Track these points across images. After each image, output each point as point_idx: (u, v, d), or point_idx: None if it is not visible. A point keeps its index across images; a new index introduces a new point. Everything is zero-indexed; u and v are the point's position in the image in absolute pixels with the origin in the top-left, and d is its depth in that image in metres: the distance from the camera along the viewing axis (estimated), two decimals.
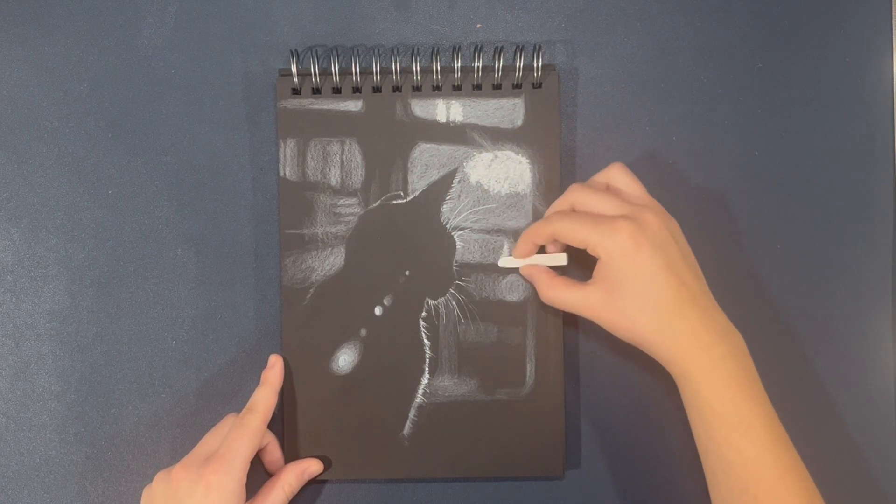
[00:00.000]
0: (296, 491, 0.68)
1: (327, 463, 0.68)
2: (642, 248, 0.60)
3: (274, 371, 0.68)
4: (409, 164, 0.69)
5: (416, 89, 0.69)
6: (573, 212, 0.64)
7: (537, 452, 0.68)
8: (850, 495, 0.70)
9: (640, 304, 0.60)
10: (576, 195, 0.64)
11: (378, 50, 0.69)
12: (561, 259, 0.67)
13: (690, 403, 0.61)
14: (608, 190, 0.64)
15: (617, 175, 0.64)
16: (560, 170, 0.69)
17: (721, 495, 0.61)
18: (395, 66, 0.68)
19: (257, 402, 0.66)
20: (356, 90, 0.69)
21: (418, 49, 0.68)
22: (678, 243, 0.62)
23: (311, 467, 0.68)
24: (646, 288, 0.60)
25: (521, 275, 0.68)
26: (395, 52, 0.68)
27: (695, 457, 0.69)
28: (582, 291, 0.63)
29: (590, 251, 0.62)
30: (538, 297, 0.68)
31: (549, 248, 0.67)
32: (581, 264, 0.67)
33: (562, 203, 0.65)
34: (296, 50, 0.69)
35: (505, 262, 0.68)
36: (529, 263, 0.67)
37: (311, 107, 0.69)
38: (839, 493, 0.70)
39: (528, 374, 0.68)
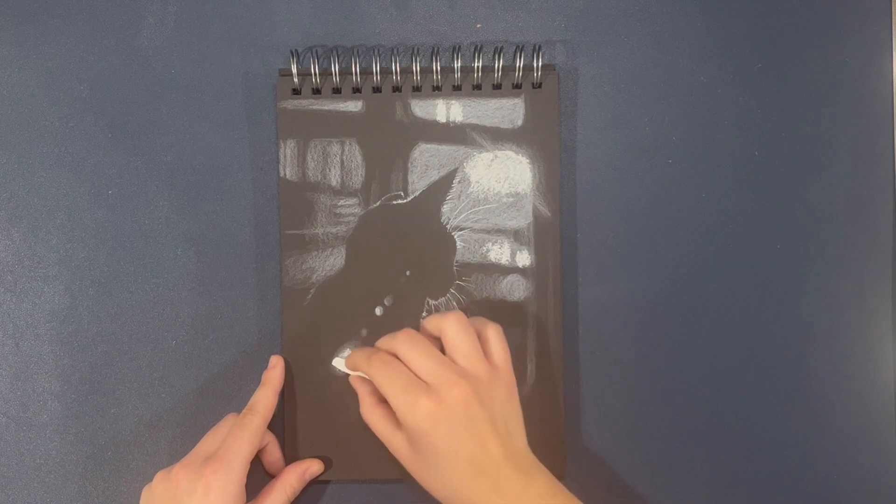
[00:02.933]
0: (297, 492, 0.68)
1: (328, 463, 0.68)
2: (439, 428, 0.59)
3: (275, 372, 0.68)
4: (409, 165, 0.69)
5: (416, 89, 0.69)
6: (393, 360, 0.62)
7: (538, 452, 0.68)
8: (850, 495, 0.70)
9: (435, 474, 0.61)
10: (399, 345, 0.62)
11: (378, 50, 0.69)
12: None
13: None
14: (437, 339, 0.63)
15: (449, 327, 0.62)
16: (560, 170, 0.69)
17: None
18: (395, 67, 0.68)
19: (257, 403, 0.66)
20: (356, 90, 0.69)
21: (418, 49, 0.68)
22: (492, 411, 0.61)
23: (313, 468, 0.68)
24: (441, 464, 0.60)
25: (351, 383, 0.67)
26: (395, 52, 0.68)
27: (695, 455, 0.69)
28: (392, 432, 0.63)
29: (392, 409, 0.62)
30: (539, 298, 0.68)
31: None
32: None
33: (387, 343, 0.64)
34: (296, 50, 0.69)
35: (337, 363, 0.68)
36: (359, 377, 0.66)
37: (311, 107, 0.69)
38: (839, 494, 0.70)
39: (528, 373, 0.68)
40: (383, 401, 0.65)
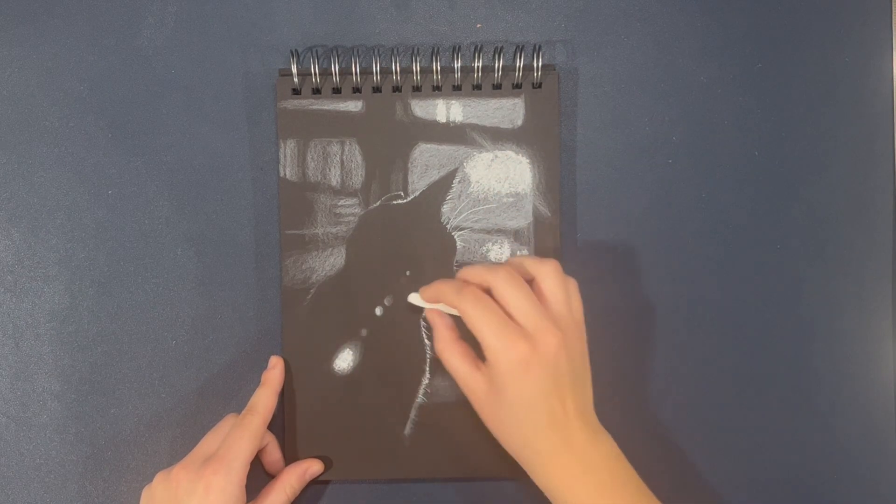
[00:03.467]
0: (297, 492, 0.68)
1: (328, 463, 0.68)
2: (530, 374, 0.59)
3: (274, 372, 0.68)
4: (409, 165, 0.69)
5: (416, 89, 0.69)
6: (486, 296, 0.61)
7: None
8: (851, 495, 0.70)
9: (512, 416, 0.61)
10: (499, 281, 0.61)
11: (378, 50, 0.69)
12: None
13: None
14: (532, 284, 0.63)
15: (547, 276, 0.62)
16: (560, 170, 0.69)
17: None
18: (395, 66, 0.68)
19: (257, 403, 0.66)
20: (356, 90, 0.69)
21: (418, 49, 0.68)
22: (573, 363, 0.61)
23: (313, 468, 0.68)
24: (522, 409, 0.60)
25: (426, 317, 0.66)
26: (395, 52, 0.68)
27: (695, 456, 0.69)
28: (470, 371, 0.62)
29: (482, 348, 0.61)
30: None
31: None
32: None
33: (483, 276, 0.62)
34: (296, 50, 0.69)
35: (413, 299, 0.68)
36: (437, 311, 0.65)
37: (311, 107, 0.69)
38: (839, 493, 0.70)
39: None
40: (460, 338, 0.64)
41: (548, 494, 0.62)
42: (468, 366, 0.62)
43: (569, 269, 0.68)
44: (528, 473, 0.62)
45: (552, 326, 0.60)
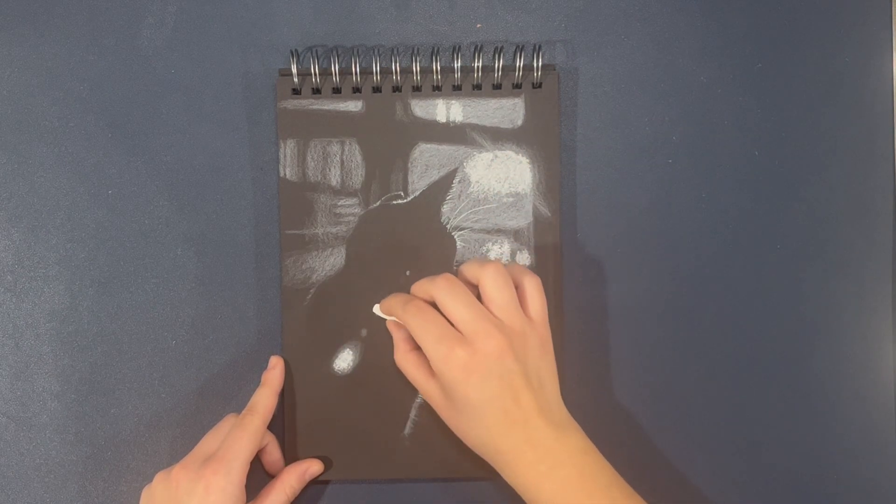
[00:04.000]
0: (297, 492, 0.68)
1: (328, 463, 0.68)
2: (472, 378, 0.60)
3: (274, 372, 0.68)
4: (409, 165, 0.69)
5: (416, 89, 0.69)
6: (428, 308, 0.62)
7: None
8: (851, 495, 0.70)
9: (467, 423, 0.62)
10: (437, 291, 0.62)
11: (378, 50, 0.69)
12: None
13: None
14: (476, 287, 0.63)
15: (488, 278, 0.62)
16: (560, 170, 0.69)
17: None
18: (395, 66, 0.68)
19: (257, 404, 0.67)
20: (356, 90, 0.69)
21: (418, 49, 0.68)
22: (524, 362, 0.61)
23: (312, 468, 0.68)
24: (473, 413, 0.61)
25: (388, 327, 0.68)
26: (395, 52, 0.68)
27: (695, 456, 0.69)
28: (424, 379, 0.64)
29: (427, 359, 0.62)
30: None
31: None
32: None
33: (425, 288, 0.63)
34: (296, 50, 0.69)
35: (376, 309, 0.68)
36: (396, 322, 0.67)
37: (311, 107, 0.69)
38: (839, 493, 0.70)
39: None
40: (417, 347, 0.65)
41: (518, 492, 0.62)
42: (423, 375, 0.64)
43: (569, 268, 0.68)
44: (501, 474, 0.62)
45: (492, 329, 0.60)
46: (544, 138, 0.69)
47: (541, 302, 0.64)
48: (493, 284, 0.62)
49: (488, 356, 0.60)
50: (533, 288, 0.64)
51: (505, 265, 0.64)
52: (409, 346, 0.66)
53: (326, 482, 0.69)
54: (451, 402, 0.62)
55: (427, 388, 0.64)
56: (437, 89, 0.69)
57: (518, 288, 0.64)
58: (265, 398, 0.67)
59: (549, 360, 0.63)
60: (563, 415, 0.63)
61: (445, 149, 0.69)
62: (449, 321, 0.61)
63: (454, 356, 0.60)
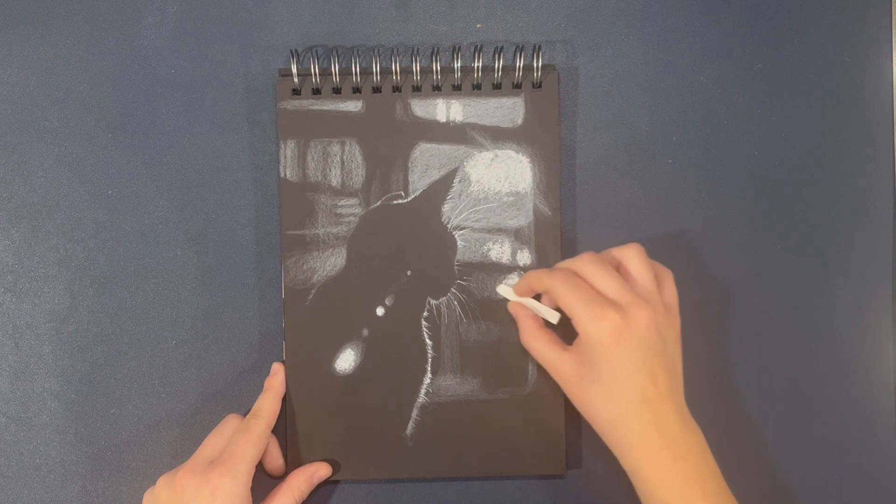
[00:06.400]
0: (305, 495, 0.67)
1: (331, 464, 0.68)
2: (622, 345, 0.60)
3: (277, 378, 0.68)
4: (409, 164, 0.69)
5: (416, 89, 0.69)
6: (576, 277, 0.63)
7: (540, 451, 0.68)
8: (851, 495, 0.70)
9: (602, 393, 0.61)
10: (583, 264, 0.63)
11: (378, 50, 0.69)
12: (552, 316, 0.65)
13: (644, 500, 0.61)
14: (619, 269, 0.64)
15: (631, 257, 0.63)
16: (560, 169, 0.69)
17: None
18: (395, 66, 0.68)
19: (262, 409, 0.67)
20: (356, 90, 0.69)
21: (418, 49, 0.68)
22: (665, 342, 0.61)
23: (321, 471, 0.68)
24: (613, 384, 0.60)
25: (509, 309, 0.67)
26: (395, 52, 0.68)
27: None
28: (557, 354, 0.63)
29: (573, 325, 0.61)
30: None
31: (545, 299, 0.66)
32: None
33: (569, 264, 0.64)
34: (296, 50, 0.69)
35: (502, 290, 0.68)
36: (523, 302, 0.67)
37: (311, 107, 0.69)
38: (839, 493, 0.70)
39: (529, 373, 0.69)
40: (544, 327, 0.65)
41: (633, 477, 0.61)
42: (556, 349, 0.63)
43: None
44: (617, 454, 0.62)
45: (641, 301, 0.61)
46: (544, 138, 0.69)
47: (675, 293, 0.64)
48: (638, 262, 0.63)
49: (639, 325, 0.60)
50: (669, 280, 0.64)
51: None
52: (538, 324, 0.65)
53: (328, 482, 0.69)
54: (588, 375, 0.61)
55: (560, 362, 0.63)
56: (437, 89, 0.69)
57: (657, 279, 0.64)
58: (269, 403, 0.67)
59: (679, 350, 0.63)
60: (687, 411, 0.62)
61: (445, 148, 0.69)
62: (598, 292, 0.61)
63: (607, 318, 0.59)
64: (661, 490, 0.60)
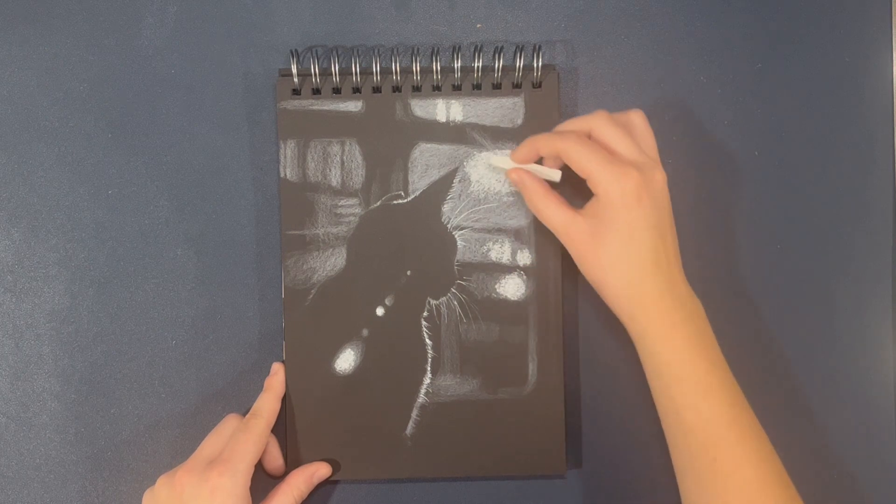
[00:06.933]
0: (304, 495, 0.67)
1: (331, 464, 0.68)
2: (642, 204, 0.60)
3: (277, 378, 0.68)
4: (409, 164, 0.69)
5: (416, 89, 0.69)
6: (588, 138, 0.63)
7: (540, 451, 0.68)
8: (851, 495, 0.70)
9: (618, 254, 0.61)
10: (599, 122, 0.63)
11: (378, 50, 0.69)
12: (555, 175, 0.65)
13: (649, 365, 0.62)
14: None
15: (637, 123, 0.64)
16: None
17: (680, 457, 0.62)
18: (395, 66, 0.68)
19: (261, 408, 0.67)
20: (356, 90, 0.69)
21: (418, 49, 0.68)
22: (671, 207, 0.62)
23: (321, 471, 0.68)
24: (630, 242, 0.60)
25: (509, 177, 0.66)
26: (395, 52, 0.68)
27: None
28: (569, 216, 0.63)
29: (591, 185, 0.61)
30: (540, 297, 0.68)
31: (546, 161, 0.66)
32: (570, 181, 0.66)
33: (581, 123, 0.64)
34: (296, 50, 0.69)
35: (497, 161, 0.67)
36: (524, 168, 0.65)
37: (311, 107, 0.69)
38: (839, 493, 0.70)
39: (530, 372, 0.68)
40: (552, 190, 0.64)
41: (640, 342, 0.62)
42: (569, 212, 0.63)
43: (569, 267, 0.68)
44: (625, 319, 0.62)
45: (656, 163, 0.61)
46: None
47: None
48: (643, 128, 0.64)
49: (656, 186, 0.60)
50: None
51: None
52: (546, 188, 0.64)
53: (328, 482, 0.69)
54: (604, 236, 0.61)
55: (573, 225, 0.62)
56: (437, 89, 0.69)
57: None
58: (269, 403, 0.67)
59: (673, 224, 0.63)
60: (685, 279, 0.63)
61: (446, 148, 0.69)
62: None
63: (629, 178, 0.60)
64: (668, 351, 0.60)
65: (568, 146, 0.62)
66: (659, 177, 0.61)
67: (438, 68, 0.68)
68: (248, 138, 0.70)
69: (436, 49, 0.69)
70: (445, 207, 0.69)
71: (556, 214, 0.63)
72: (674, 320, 0.60)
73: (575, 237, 0.62)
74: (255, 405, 0.67)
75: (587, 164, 0.61)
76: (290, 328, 0.69)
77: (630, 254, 0.60)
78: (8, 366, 0.70)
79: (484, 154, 0.69)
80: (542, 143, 0.64)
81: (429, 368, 0.69)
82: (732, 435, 0.60)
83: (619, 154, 0.62)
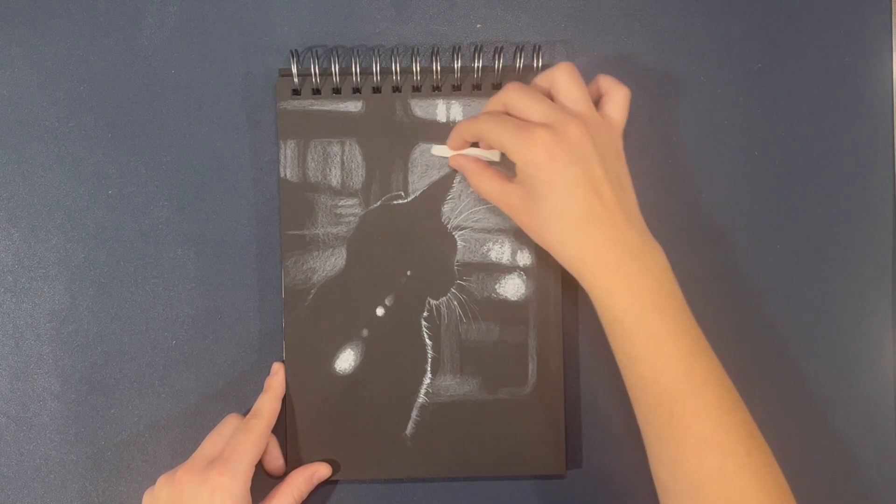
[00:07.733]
0: (304, 495, 0.67)
1: (331, 464, 0.68)
2: (556, 161, 0.59)
3: (277, 378, 0.68)
4: (409, 165, 0.69)
5: (416, 89, 0.69)
6: (501, 114, 0.63)
7: (539, 451, 0.68)
8: (850, 495, 0.70)
9: (549, 214, 0.60)
10: (509, 95, 0.62)
11: (378, 50, 0.69)
12: (493, 155, 0.67)
13: (603, 319, 0.61)
14: (548, 93, 0.63)
15: (560, 78, 0.62)
16: None
17: (641, 411, 0.61)
18: (395, 67, 0.68)
19: (262, 409, 0.67)
20: (356, 91, 0.69)
21: (418, 49, 0.68)
22: (603, 156, 0.60)
23: (321, 471, 0.68)
24: (556, 200, 0.60)
25: (450, 164, 0.68)
26: (395, 52, 0.68)
27: None
28: (504, 187, 0.63)
29: (508, 157, 0.61)
30: (540, 297, 0.68)
31: (482, 145, 0.67)
32: None
33: (495, 102, 0.64)
34: (296, 50, 0.69)
35: (438, 150, 0.68)
36: (462, 153, 0.67)
37: (311, 108, 0.69)
38: (839, 493, 0.70)
39: (529, 373, 0.68)
40: (489, 167, 0.65)
41: (592, 297, 0.60)
42: (502, 183, 0.63)
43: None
44: (577, 276, 0.61)
45: (569, 116, 0.60)
46: None
47: (623, 110, 0.63)
48: (566, 80, 0.62)
49: (570, 139, 0.59)
50: (618, 96, 0.63)
51: (600, 76, 0.65)
52: (482, 166, 0.65)
53: (328, 482, 0.69)
54: (534, 200, 0.60)
55: (507, 194, 0.62)
56: (436, 89, 0.69)
57: (604, 95, 0.64)
58: (269, 403, 0.67)
59: (624, 164, 0.62)
60: (645, 227, 0.62)
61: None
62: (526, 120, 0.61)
63: (536, 136, 0.59)
64: (617, 305, 0.59)
65: (480, 127, 0.63)
66: (573, 129, 0.59)
67: (438, 68, 0.68)
68: (248, 138, 0.70)
69: (436, 49, 0.69)
70: (445, 208, 0.69)
71: (491, 186, 0.64)
72: (620, 274, 0.59)
73: (512, 205, 0.63)
74: (256, 405, 0.67)
75: (499, 139, 0.61)
76: (290, 328, 0.69)
77: (560, 213, 0.59)
78: (8, 366, 0.70)
79: (427, 145, 0.69)
80: (464, 128, 0.65)
81: (429, 368, 0.69)
82: (688, 387, 0.58)
83: (531, 118, 0.61)
